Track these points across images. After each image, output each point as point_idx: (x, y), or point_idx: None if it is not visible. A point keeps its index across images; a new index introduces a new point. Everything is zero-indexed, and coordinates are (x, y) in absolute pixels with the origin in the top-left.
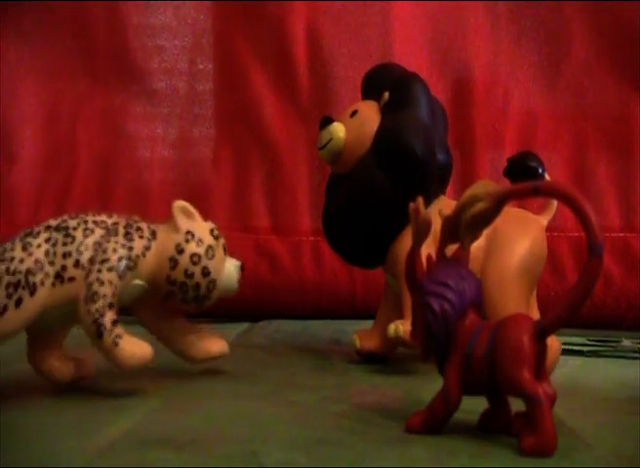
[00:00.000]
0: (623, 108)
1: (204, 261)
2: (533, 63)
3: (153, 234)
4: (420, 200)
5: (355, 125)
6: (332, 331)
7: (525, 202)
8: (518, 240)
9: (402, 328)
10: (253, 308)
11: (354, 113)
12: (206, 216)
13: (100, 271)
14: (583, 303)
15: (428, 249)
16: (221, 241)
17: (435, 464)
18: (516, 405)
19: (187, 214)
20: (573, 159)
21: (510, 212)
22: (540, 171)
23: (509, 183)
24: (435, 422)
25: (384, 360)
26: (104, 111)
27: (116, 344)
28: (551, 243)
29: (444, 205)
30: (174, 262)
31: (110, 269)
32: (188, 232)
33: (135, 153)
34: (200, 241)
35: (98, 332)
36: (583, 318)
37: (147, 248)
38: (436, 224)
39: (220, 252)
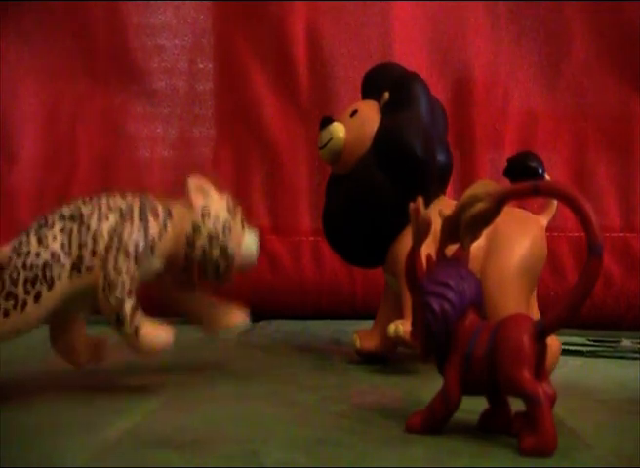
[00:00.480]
0: (623, 108)
1: (221, 238)
2: (533, 63)
3: (168, 213)
4: (420, 200)
5: (355, 125)
6: (332, 331)
7: (525, 202)
8: (518, 240)
9: (402, 328)
10: (253, 308)
11: (354, 113)
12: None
13: (116, 259)
14: (583, 303)
15: (428, 249)
16: (239, 214)
17: (435, 464)
18: (516, 405)
19: (202, 191)
20: (573, 159)
21: (510, 212)
22: (540, 171)
23: (509, 183)
24: (435, 422)
25: (384, 360)
26: (104, 111)
27: (137, 332)
28: (551, 243)
29: (444, 205)
30: (191, 241)
31: (127, 256)
32: (204, 209)
33: (135, 153)
34: (216, 218)
35: (118, 321)
36: (583, 318)
37: (163, 228)
38: (436, 224)
39: (237, 226)
